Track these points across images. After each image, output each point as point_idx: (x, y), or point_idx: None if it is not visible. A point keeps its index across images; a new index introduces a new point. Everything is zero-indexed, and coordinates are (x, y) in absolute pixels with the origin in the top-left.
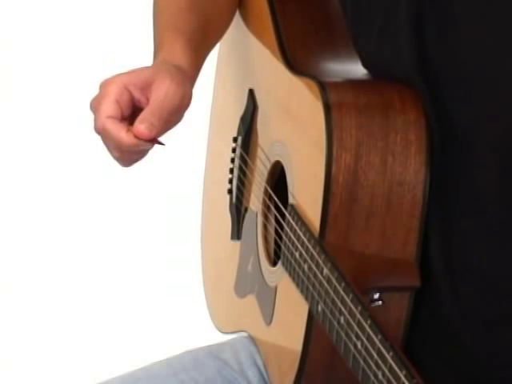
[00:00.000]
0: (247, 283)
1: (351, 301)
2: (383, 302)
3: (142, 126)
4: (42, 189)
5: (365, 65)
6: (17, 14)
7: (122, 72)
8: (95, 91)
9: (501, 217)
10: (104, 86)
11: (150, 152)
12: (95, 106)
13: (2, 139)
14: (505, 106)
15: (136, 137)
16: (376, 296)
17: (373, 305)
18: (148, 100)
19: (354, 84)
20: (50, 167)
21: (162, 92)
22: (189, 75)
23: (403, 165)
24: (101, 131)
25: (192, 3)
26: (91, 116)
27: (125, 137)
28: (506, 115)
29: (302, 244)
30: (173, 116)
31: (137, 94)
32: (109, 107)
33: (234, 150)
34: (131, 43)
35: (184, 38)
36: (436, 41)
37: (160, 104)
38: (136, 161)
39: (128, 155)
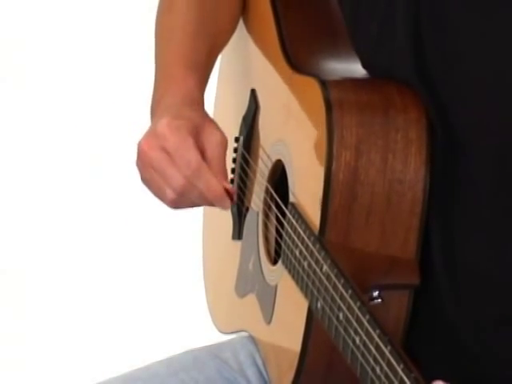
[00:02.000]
0: (248, 282)
1: (350, 297)
2: (383, 300)
3: (229, 185)
4: (44, 188)
5: (363, 66)
6: (29, 14)
7: (168, 115)
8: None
9: (501, 215)
10: (171, 130)
11: None
12: (177, 150)
13: (16, 138)
14: (504, 107)
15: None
16: (376, 294)
17: (372, 303)
18: (199, 148)
19: (355, 82)
20: (60, 165)
21: (218, 146)
22: (203, 106)
23: (403, 163)
24: (195, 171)
25: (198, 26)
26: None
27: (217, 183)
28: (505, 116)
29: (302, 242)
30: None
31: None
32: (196, 150)
33: (235, 150)
34: (142, 43)
35: (196, 71)
36: (433, 43)
37: (223, 160)
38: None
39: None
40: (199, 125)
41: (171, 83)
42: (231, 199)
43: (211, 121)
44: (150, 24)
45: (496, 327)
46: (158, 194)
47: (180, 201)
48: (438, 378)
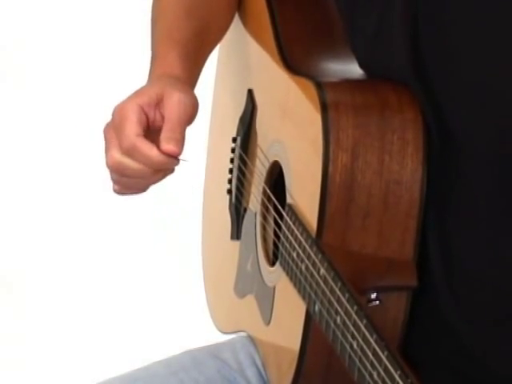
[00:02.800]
0: (246, 283)
1: (347, 301)
2: (380, 302)
3: (169, 145)
4: (44, 189)
5: (360, 65)
6: (29, 14)
7: (129, 96)
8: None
9: (498, 216)
10: (119, 110)
11: None
12: (117, 128)
13: (16, 138)
14: (502, 107)
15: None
16: (373, 296)
17: (370, 305)
18: (162, 117)
19: (351, 84)
20: (60, 166)
21: (175, 106)
22: (187, 83)
23: (400, 164)
24: (129, 151)
25: (189, 9)
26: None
27: (156, 154)
28: (503, 116)
29: (300, 244)
30: (188, 126)
31: (152, 114)
32: (134, 127)
33: (233, 151)
34: (132, 44)
35: (178, 46)
36: (431, 43)
37: (177, 118)
38: (149, 185)
39: (151, 178)
40: (158, 93)
41: (155, 60)
42: (176, 158)
43: (174, 87)
44: (148, 25)
45: (494, 327)
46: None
47: (118, 181)
48: (436, 376)
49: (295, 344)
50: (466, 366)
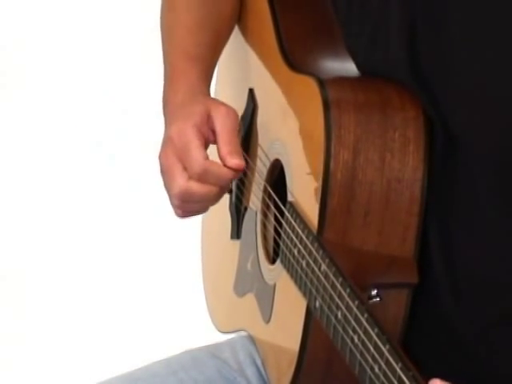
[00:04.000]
0: (246, 282)
1: (348, 295)
2: (381, 299)
3: (235, 159)
4: (44, 189)
5: (357, 66)
6: (29, 14)
7: (175, 118)
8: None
9: (500, 214)
10: (177, 135)
11: (148, 152)
12: (181, 154)
13: (16, 137)
14: (502, 107)
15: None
16: (374, 293)
17: (370, 301)
18: (212, 131)
19: (352, 81)
20: (60, 166)
21: (225, 118)
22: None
23: (401, 162)
24: (201, 175)
25: (199, 20)
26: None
27: (226, 172)
28: (503, 116)
29: (301, 241)
30: None
31: (206, 132)
32: (202, 151)
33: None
34: (132, 43)
35: (197, 63)
36: (429, 44)
37: (231, 131)
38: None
39: (216, 198)
40: (205, 111)
41: (174, 78)
42: (242, 171)
43: (216, 101)
44: (150, 24)
45: (495, 326)
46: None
47: (184, 207)
48: (436, 376)
49: (295, 342)
50: (466, 364)
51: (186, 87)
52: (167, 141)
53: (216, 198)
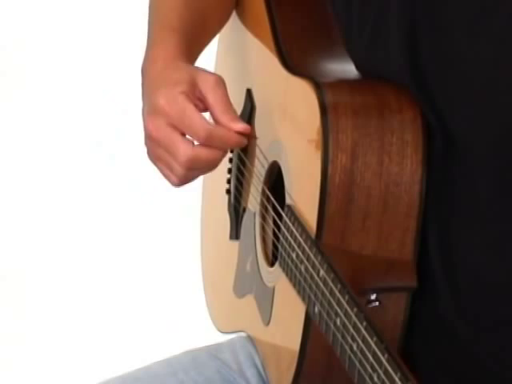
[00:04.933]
0: (246, 283)
1: (347, 302)
2: (380, 303)
3: (240, 124)
4: (44, 189)
5: (356, 68)
6: (29, 14)
7: (160, 85)
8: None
9: (499, 216)
10: (168, 104)
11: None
12: (179, 122)
13: (15, 138)
14: (502, 108)
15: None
16: (373, 297)
17: (370, 306)
18: (200, 100)
19: (350, 84)
20: (60, 166)
21: (217, 87)
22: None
23: (399, 165)
24: (207, 140)
25: (187, 1)
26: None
27: (233, 134)
28: (503, 117)
29: (299, 245)
30: None
31: (195, 101)
32: (201, 116)
33: (232, 151)
34: (133, 43)
35: (178, 34)
36: (429, 45)
37: (225, 99)
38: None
39: (219, 162)
40: (190, 79)
41: (153, 47)
42: (247, 135)
43: (199, 69)
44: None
45: (495, 328)
46: (167, 171)
47: (187, 175)
48: (436, 380)
49: (295, 344)
50: (466, 366)
51: (165, 54)
52: (155, 109)
53: (218, 163)
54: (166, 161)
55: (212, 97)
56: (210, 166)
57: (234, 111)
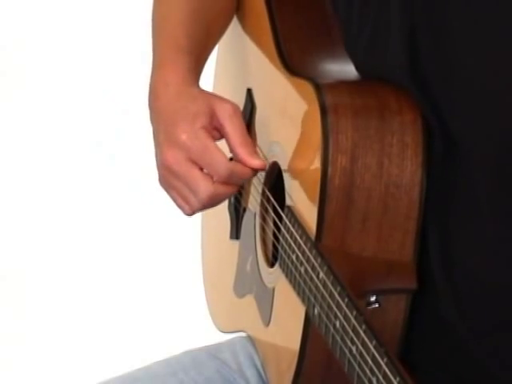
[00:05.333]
0: (246, 283)
1: (346, 305)
2: (380, 305)
3: (256, 160)
4: (44, 189)
5: (356, 69)
6: (29, 14)
7: (176, 119)
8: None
9: (499, 218)
10: (191, 139)
11: (148, 152)
12: (201, 159)
13: (15, 138)
14: (502, 109)
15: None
16: (373, 299)
17: (369, 307)
18: (217, 130)
19: (350, 86)
20: (60, 166)
21: (233, 117)
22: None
23: (399, 167)
24: (228, 178)
25: (191, 12)
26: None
27: (249, 171)
28: (503, 118)
29: (299, 246)
30: None
31: (214, 132)
32: (222, 153)
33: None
34: (133, 44)
35: (187, 55)
36: (429, 46)
37: (242, 129)
38: None
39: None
40: (209, 110)
41: (163, 68)
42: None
43: (215, 96)
44: (149, 24)
45: (495, 329)
46: (181, 202)
47: (203, 209)
48: (435, 382)
49: (295, 345)
50: (466, 368)
51: (178, 79)
52: (175, 143)
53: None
54: (184, 194)
55: (229, 127)
56: (226, 199)
57: (251, 142)
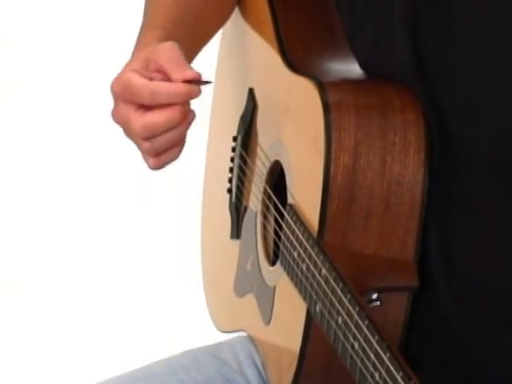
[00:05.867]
0: (246, 282)
1: (349, 301)
2: (381, 303)
3: (187, 72)
4: (44, 189)
5: (360, 66)
6: (30, 14)
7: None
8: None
9: (500, 218)
10: (116, 82)
11: None
12: (124, 95)
13: (15, 139)
14: (504, 108)
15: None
16: (374, 296)
17: (371, 305)
18: (156, 71)
19: (352, 84)
20: (53, 167)
21: (170, 50)
22: None
23: (402, 165)
24: (151, 98)
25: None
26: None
27: (180, 85)
28: (505, 116)
29: (301, 244)
30: None
31: (148, 74)
32: (142, 78)
33: (233, 149)
34: (132, 44)
35: (159, 30)
36: (433, 43)
37: (179, 58)
38: (182, 142)
39: (181, 126)
40: (145, 55)
41: (135, 48)
42: (198, 83)
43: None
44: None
45: (495, 328)
46: (141, 154)
47: (152, 147)
48: (435, 380)
49: (295, 344)
50: (466, 366)
51: (141, 45)
52: (114, 98)
53: (179, 123)
54: (135, 142)
55: (164, 59)
56: (169, 126)
57: (185, 63)
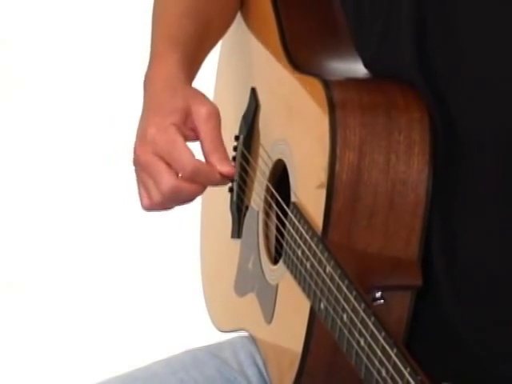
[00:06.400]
0: (247, 282)
1: (354, 298)
2: (385, 301)
3: (226, 167)
4: (44, 189)
5: (365, 65)
6: (30, 14)
7: (149, 111)
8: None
9: (502, 217)
10: (157, 134)
11: None
12: (166, 153)
13: (15, 139)
14: (508, 108)
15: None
16: (378, 295)
17: (375, 303)
18: (192, 130)
19: (357, 83)
20: (54, 167)
21: (208, 121)
22: (190, 83)
23: (406, 164)
24: (192, 175)
25: (189, 7)
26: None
27: (217, 175)
28: (508, 117)
29: (305, 242)
30: None
31: (186, 132)
32: (189, 151)
33: (235, 149)
34: (132, 43)
35: (179, 47)
36: (438, 43)
37: (216, 135)
38: None
39: (196, 197)
40: (185, 108)
41: (154, 61)
42: (231, 179)
43: (196, 96)
44: (149, 24)
45: (496, 327)
46: (144, 193)
47: (164, 203)
48: (436, 376)
49: (298, 342)
50: (467, 365)
51: (165, 74)
52: (145, 136)
53: (196, 197)
54: (147, 185)
55: (203, 131)
56: (188, 199)
57: (224, 148)
